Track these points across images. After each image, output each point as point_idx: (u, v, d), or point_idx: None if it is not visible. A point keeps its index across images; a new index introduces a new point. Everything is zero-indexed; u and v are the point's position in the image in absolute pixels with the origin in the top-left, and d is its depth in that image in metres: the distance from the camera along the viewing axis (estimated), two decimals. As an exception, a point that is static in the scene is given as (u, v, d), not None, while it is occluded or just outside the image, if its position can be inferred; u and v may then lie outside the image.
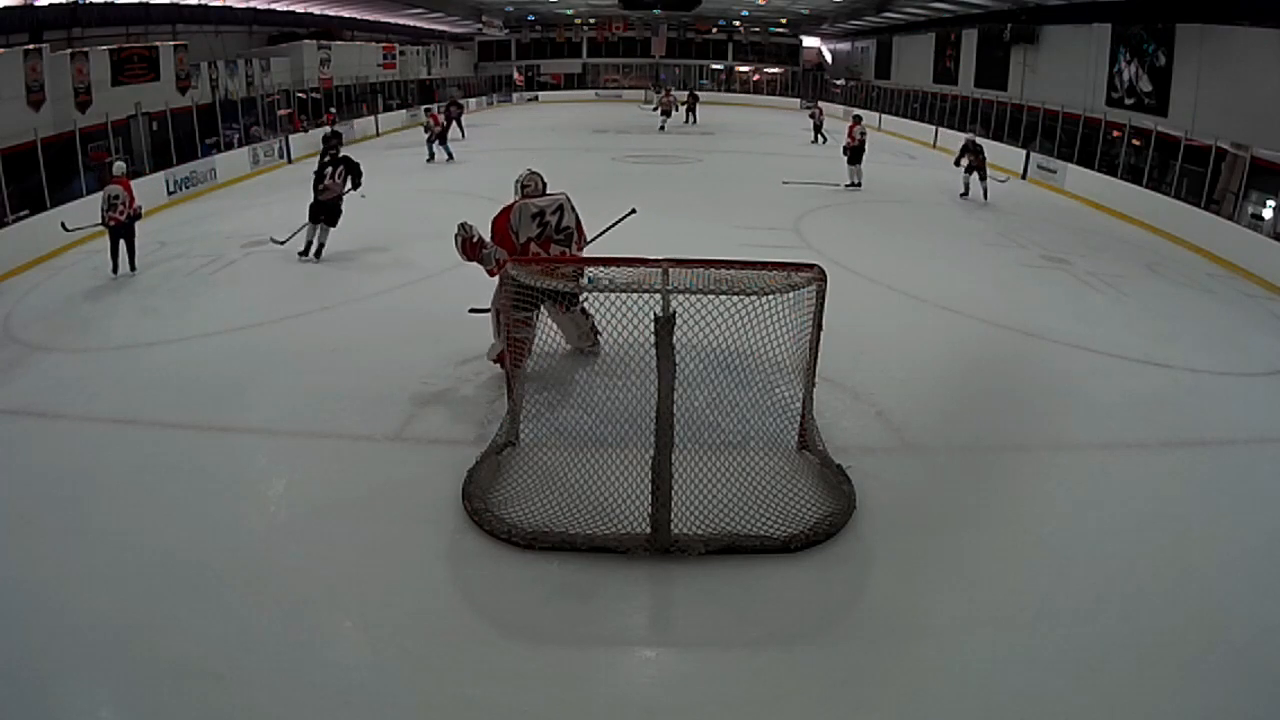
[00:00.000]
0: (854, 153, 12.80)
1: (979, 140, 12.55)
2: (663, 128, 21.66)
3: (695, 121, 23.13)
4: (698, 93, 25.79)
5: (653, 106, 24.69)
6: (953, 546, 3.79)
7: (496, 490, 4.04)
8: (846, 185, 12.79)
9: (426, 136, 15.74)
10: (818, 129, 19.59)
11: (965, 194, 12.57)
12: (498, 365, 5.06)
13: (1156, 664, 3.10)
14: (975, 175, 12.28)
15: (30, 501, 4.06)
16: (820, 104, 24.19)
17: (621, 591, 3.47)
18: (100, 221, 7.87)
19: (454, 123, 18.49)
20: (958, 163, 12.46)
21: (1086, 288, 8.11)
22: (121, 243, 7.94)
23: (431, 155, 15.46)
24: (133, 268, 8.04)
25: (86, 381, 5.50)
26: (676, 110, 22.21)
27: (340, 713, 2.84)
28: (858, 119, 13.37)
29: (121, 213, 7.79)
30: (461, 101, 21.87)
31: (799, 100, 31.35)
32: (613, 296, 3.64)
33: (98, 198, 8.12)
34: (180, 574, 3.49)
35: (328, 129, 15.73)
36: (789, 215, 10.64)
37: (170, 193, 11.85)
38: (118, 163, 8.79)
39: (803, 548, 3.68)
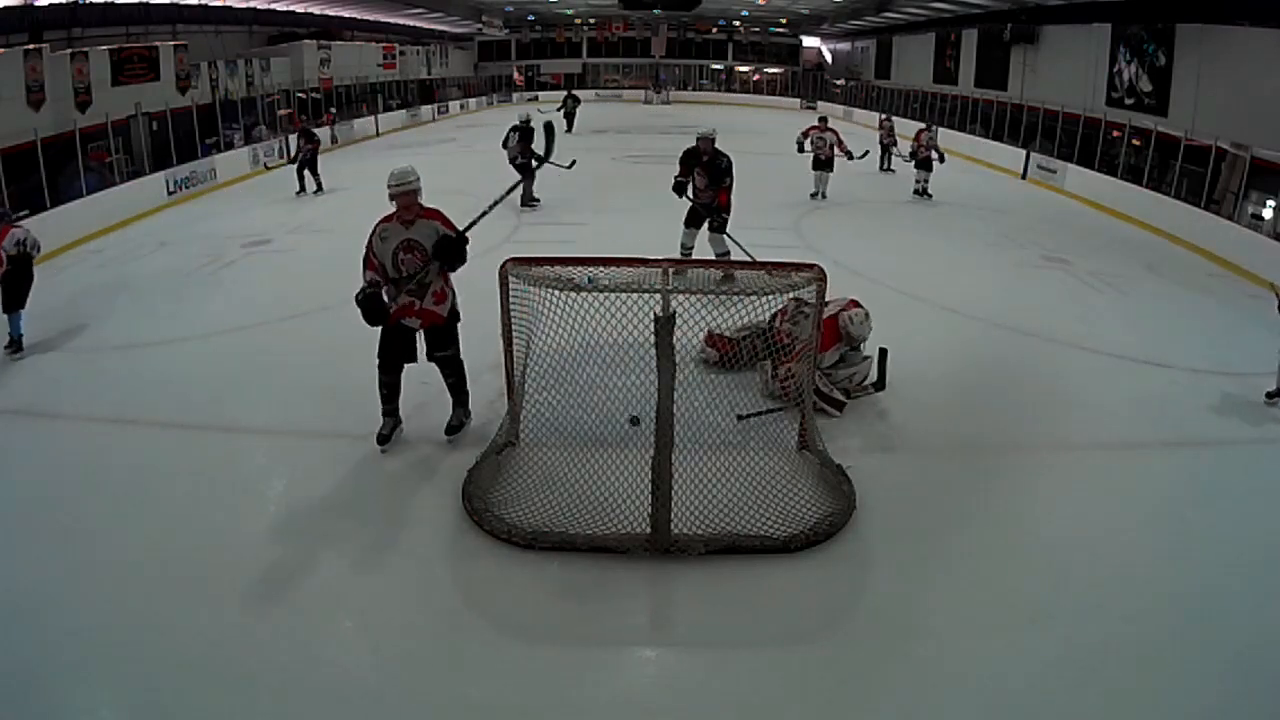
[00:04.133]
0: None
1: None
2: (570, 129, 18.92)
3: (571, 130, 19.07)
4: (575, 93, 21.47)
5: (556, 107, 19.80)
6: (953, 547, 3.79)
7: (496, 490, 4.04)
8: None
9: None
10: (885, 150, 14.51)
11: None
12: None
13: (1156, 664, 3.10)
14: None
15: (30, 501, 4.06)
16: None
17: (621, 591, 3.47)
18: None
19: (306, 168, 12.01)
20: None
21: (1086, 288, 8.11)
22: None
23: None
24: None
25: (86, 381, 5.50)
26: (895, 146, 14.31)
27: (340, 713, 2.84)
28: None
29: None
30: (316, 133, 12.98)
31: (799, 100, 31.32)
32: (613, 296, 3.64)
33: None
34: (180, 574, 3.48)
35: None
36: (789, 215, 10.64)
37: (170, 193, 11.85)
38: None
39: (803, 548, 3.68)
